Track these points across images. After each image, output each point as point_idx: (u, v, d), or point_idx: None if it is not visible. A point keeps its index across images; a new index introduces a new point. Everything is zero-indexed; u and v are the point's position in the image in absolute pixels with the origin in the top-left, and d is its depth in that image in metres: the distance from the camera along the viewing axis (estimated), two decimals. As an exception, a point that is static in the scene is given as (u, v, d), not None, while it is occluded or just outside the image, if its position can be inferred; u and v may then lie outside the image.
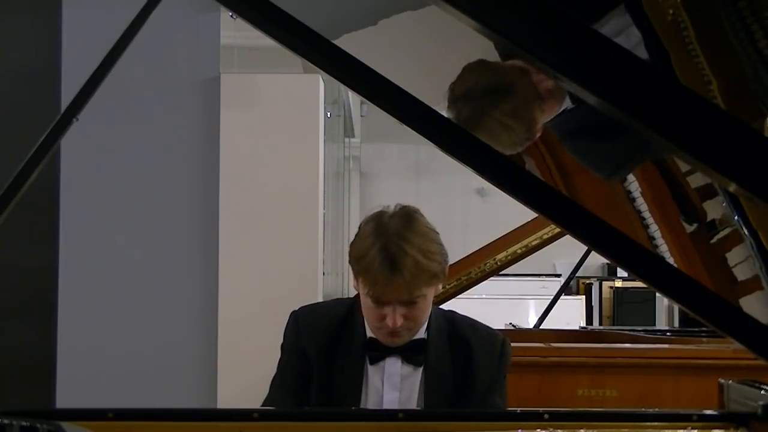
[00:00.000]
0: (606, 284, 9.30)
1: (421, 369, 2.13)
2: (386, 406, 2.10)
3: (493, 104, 1.98)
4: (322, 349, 2.13)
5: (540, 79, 1.99)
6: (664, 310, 8.95)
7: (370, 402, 2.11)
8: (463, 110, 2.01)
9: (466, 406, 2.11)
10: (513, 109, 1.98)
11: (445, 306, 3.78)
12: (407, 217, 2.09)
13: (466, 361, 2.14)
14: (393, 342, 2.11)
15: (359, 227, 2.13)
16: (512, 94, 1.98)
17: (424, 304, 2.08)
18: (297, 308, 2.23)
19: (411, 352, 2.12)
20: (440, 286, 2.15)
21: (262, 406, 2.14)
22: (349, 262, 2.11)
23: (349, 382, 2.10)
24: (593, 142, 2.10)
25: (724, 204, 2.00)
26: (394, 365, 2.12)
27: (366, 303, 2.08)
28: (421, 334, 2.14)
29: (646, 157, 2.21)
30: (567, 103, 2.06)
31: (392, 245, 2.00)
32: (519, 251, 3.92)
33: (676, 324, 8.57)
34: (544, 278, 8.93)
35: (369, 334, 2.14)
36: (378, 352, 2.12)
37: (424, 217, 2.12)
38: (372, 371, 2.12)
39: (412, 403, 2.11)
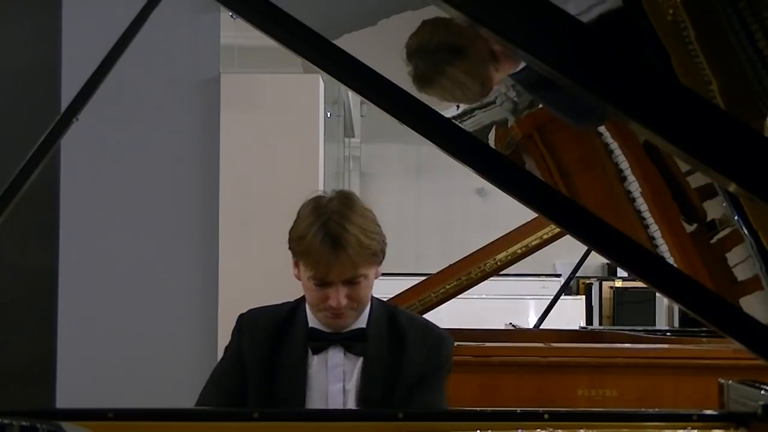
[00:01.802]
0: (606, 284, 9.30)
1: (361, 358, 2.12)
2: (331, 397, 2.09)
3: (447, 61, 2.03)
4: (262, 349, 2.13)
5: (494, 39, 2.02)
6: (664, 310, 8.95)
7: (314, 395, 2.09)
8: (419, 65, 2.06)
9: (395, 397, 2.09)
10: (467, 69, 2.03)
11: (444, 306, 3.81)
12: (346, 198, 2.10)
13: (400, 352, 2.13)
14: (337, 325, 2.10)
15: (298, 212, 2.14)
16: (465, 53, 2.02)
17: (366, 283, 2.08)
18: (244, 311, 2.24)
19: (352, 341, 2.12)
20: (379, 271, 2.14)
21: (197, 404, 2.14)
22: (289, 247, 2.11)
23: (293, 377, 2.10)
24: (559, 92, 2.11)
25: (724, 204, 2.00)
26: (336, 355, 2.11)
27: (309, 286, 2.08)
28: (362, 323, 2.14)
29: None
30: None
31: (333, 224, 2.01)
32: (519, 251, 3.91)
33: (676, 324, 8.57)
34: (544, 278, 8.92)
35: (311, 324, 2.13)
36: (320, 341, 2.12)
37: (361, 200, 2.13)
38: (315, 363, 2.11)
39: (352, 395, 2.10)
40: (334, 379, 2.11)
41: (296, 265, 2.13)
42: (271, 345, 2.14)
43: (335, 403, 2.09)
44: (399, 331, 2.16)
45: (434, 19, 2.08)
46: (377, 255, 2.08)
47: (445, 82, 2.04)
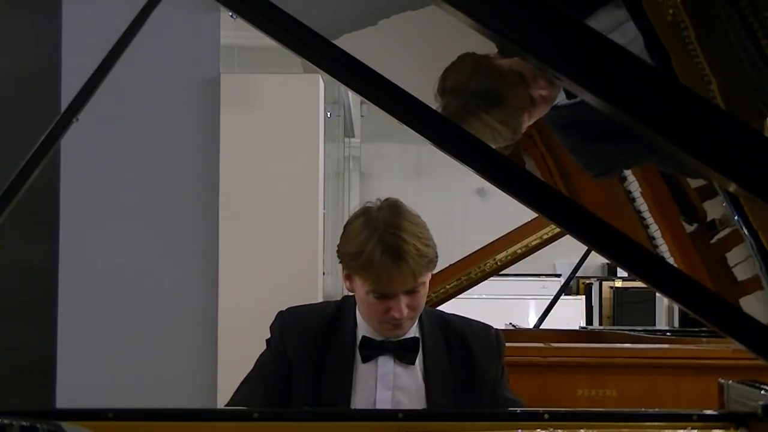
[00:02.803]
0: (606, 284, 9.30)
1: (413, 367, 2.11)
2: (379, 405, 2.09)
3: (483, 108, 1.95)
4: (308, 351, 2.12)
5: (537, 85, 1.97)
6: (664, 310, 8.95)
7: (361, 401, 2.09)
8: (452, 104, 1.98)
9: (475, 403, 2.10)
10: (502, 118, 1.96)
11: (445, 306, 3.81)
12: (395, 207, 2.09)
13: (465, 357, 2.14)
14: (396, 334, 2.10)
15: (346, 226, 2.12)
16: (505, 103, 1.95)
17: (424, 290, 2.09)
18: (284, 308, 2.22)
19: (404, 351, 2.11)
20: (430, 276, 2.14)
21: (230, 399, 2.13)
22: (342, 261, 2.09)
23: (340, 382, 2.09)
24: (585, 140, 2.09)
25: (724, 204, 2.00)
26: (386, 364, 2.11)
27: (368, 300, 2.06)
28: (413, 332, 2.14)
29: (637, 162, 2.21)
30: (561, 96, 2.05)
31: (389, 236, 2.00)
32: (519, 251, 3.92)
33: (676, 324, 8.57)
34: (544, 278, 8.93)
35: (362, 332, 2.13)
36: (370, 350, 2.11)
37: (408, 206, 2.13)
38: (364, 370, 2.11)
39: (405, 403, 2.09)
40: (383, 387, 2.10)
41: (348, 278, 2.11)
42: (318, 347, 2.13)
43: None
44: (457, 336, 2.17)
45: (477, 59, 1.98)
46: (433, 261, 2.09)
47: (477, 125, 1.96)
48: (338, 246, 2.11)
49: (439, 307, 3.75)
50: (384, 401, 2.09)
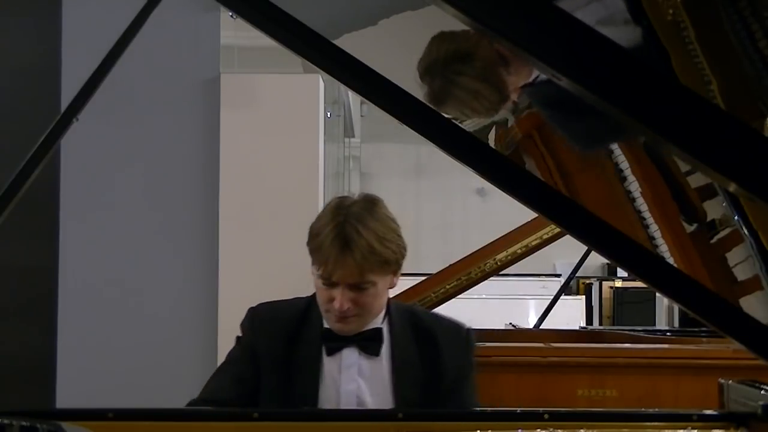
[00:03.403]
0: (606, 284, 9.30)
1: (378, 359, 2.11)
2: (344, 397, 2.08)
3: (457, 71, 2.00)
4: (277, 347, 2.13)
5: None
6: (664, 310, 8.95)
7: (327, 394, 2.09)
8: (432, 84, 2.03)
9: (436, 397, 2.09)
10: (478, 74, 2.00)
11: (445, 306, 3.81)
12: (369, 203, 2.09)
13: (433, 352, 2.13)
14: (342, 329, 2.09)
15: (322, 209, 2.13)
16: (473, 58, 2.00)
17: (374, 291, 2.06)
18: (255, 304, 2.23)
19: (368, 342, 2.11)
20: (395, 281, 2.13)
21: (200, 394, 2.13)
22: (307, 242, 2.11)
23: (307, 376, 2.09)
24: (570, 115, 2.10)
25: (724, 204, 2.00)
26: (351, 356, 2.11)
27: (317, 284, 2.08)
28: (377, 323, 2.13)
29: (623, 136, 2.22)
30: None
31: (348, 226, 2.01)
32: (519, 251, 3.91)
33: (676, 324, 8.57)
34: (544, 278, 8.92)
35: (326, 324, 2.13)
36: (335, 342, 2.11)
37: (386, 208, 2.12)
38: (329, 362, 2.11)
39: (372, 395, 2.09)
40: (347, 380, 2.10)
41: (311, 258, 2.12)
42: (285, 342, 2.13)
43: (348, 403, 2.08)
44: (426, 330, 2.16)
45: (439, 33, 2.06)
46: (389, 264, 2.06)
47: (460, 93, 2.01)
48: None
49: (439, 307, 3.75)
50: (349, 393, 2.09)
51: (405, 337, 2.14)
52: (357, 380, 2.10)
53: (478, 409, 2.04)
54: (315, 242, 2.05)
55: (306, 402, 2.06)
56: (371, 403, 2.08)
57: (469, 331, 2.22)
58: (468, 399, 2.15)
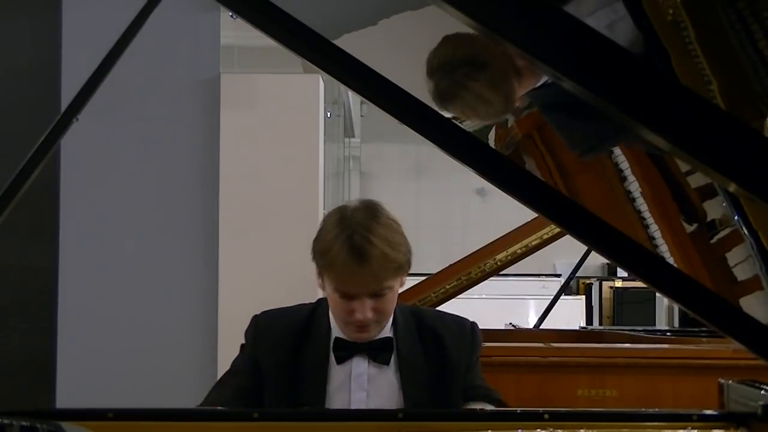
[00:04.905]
0: (606, 284, 9.30)
1: (387, 368, 2.11)
2: (354, 405, 2.08)
3: (469, 77, 2.00)
4: (281, 356, 2.11)
5: (516, 53, 2.00)
6: (664, 310, 8.95)
7: (337, 403, 2.08)
8: (441, 82, 2.03)
9: (445, 396, 2.10)
10: (490, 83, 2.00)
11: (445, 306, 3.81)
12: (371, 209, 2.06)
13: (438, 352, 2.13)
14: (362, 337, 2.08)
15: (321, 223, 2.10)
16: (488, 67, 2.00)
17: (391, 296, 2.06)
18: (259, 312, 2.21)
19: (378, 351, 2.10)
20: (404, 281, 2.12)
21: (202, 402, 2.12)
22: (313, 258, 2.08)
23: (314, 385, 2.08)
24: (570, 119, 2.11)
25: (724, 204, 2.00)
26: (360, 365, 2.10)
27: (333, 299, 2.06)
28: (387, 332, 2.13)
29: (620, 141, 2.23)
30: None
31: (357, 237, 1.98)
32: (519, 251, 3.91)
33: (676, 324, 8.57)
34: (544, 278, 8.92)
35: (335, 333, 2.12)
36: (344, 351, 2.10)
37: (387, 210, 2.10)
38: (338, 371, 2.10)
39: (381, 403, 2.08)
40: (357, 388, 2.09)
41: (319, 275, 2.09)
42: (290, 351, 2.12)
43: None
44: (430, 331, 2.16)
45: (456, 34, 2.05)
46: (402, 267, 2.05)
47: (468, 97, 2.01)
48: (312, 243, 2.10)
49: (439, 308, 3.75)
50: (359, 402, 2.08)
51: (411, 342, 2.14)
52: (366, 389, 2.09)
53: (478, 409, 2.04)
54: (326, 259, 2.01)
55: None
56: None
57: (474, 325, 2.22)
58: (480, 384, 2.16)
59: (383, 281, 2.01)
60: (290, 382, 2.10)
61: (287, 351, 2.12)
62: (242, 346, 2.20)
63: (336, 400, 2.09)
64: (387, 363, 2.11)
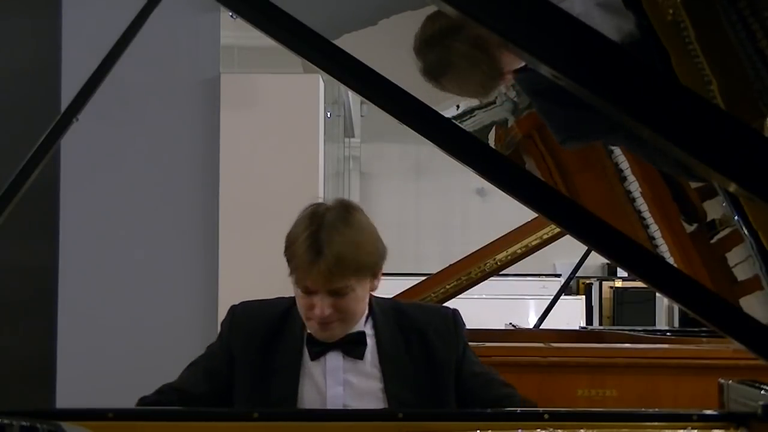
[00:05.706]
0: (606, 284, 9.30)
1: (362, 362, 2.10)
2: (330, 401, 2.08)
3: (453, 37, 2.05)
4: (254, 349, 2.13)
5: None
6: (664, 310, 8.95)
7: (312, 398, 2.08)
8: (429, 54, 2.09)
9: (433, 393, 2.09)
10: (473, 39, 2.04)
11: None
12: (344, 209, 2.08)
13: (422, 347, 2.12)
14: (325, 336, 2.08)
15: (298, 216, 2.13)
16: (466, 27, 2.03)
17: (354, 296, 2.05)
18: (237, 303, 2.23)
19: (351, 345, 2.10)
20: (376, 283, 2.12)
21: (173, 382, 2.16)
22: (284, 250, 2.10)
23: (286, 381, 2.09)
24: (554, 105, 2.12)
25: (724, 204, 2.00)
26: (335, 360, 2.10)
27: (296, 292, 2.08)
28: (360, 326, 2.12)
29: (609, 140, 2.23)
30: None
31: (322, 234, 2.00)
32: (519, 251, 3.91)
33: (676, 324, 8.57)
34: (544, 278, 8.92)
35: (309, 329, 2.12)
36: (318, 347, 2.10)
37: (363, 213, 2.11)
38: (313, 367, 2.10)
39: (360, 398, 2.08)
40: (333, 384, 2.09)
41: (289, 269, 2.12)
42: (264, 345, 2.13)
43: (336, 406, 2.08)
44: (411, 323, 2.15)
45: (435, 11, 2.10)
46: (365, 269, 2.04)
47: (457, 60, 2.05)
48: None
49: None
50: (336, 396, 2.08)
51: (391, 335, 2.13)
52: (342, 385, 2.09)
53: (478, 409, 2.04)
54: (290, 251, 2.05)
55: (285, 406, 2.05)
56: (357, 407, 2.07)
57: (455, 312, 2.21)
58: (481, 370, 2.15)
59: (337, 280, 2.00)
60: (262, 375, 2.10)
61: (260, 345, 2.13)
62: (219, 334, 2.22)
63: (311, 396, 2.09)
64: (361, 357, 2.10)
